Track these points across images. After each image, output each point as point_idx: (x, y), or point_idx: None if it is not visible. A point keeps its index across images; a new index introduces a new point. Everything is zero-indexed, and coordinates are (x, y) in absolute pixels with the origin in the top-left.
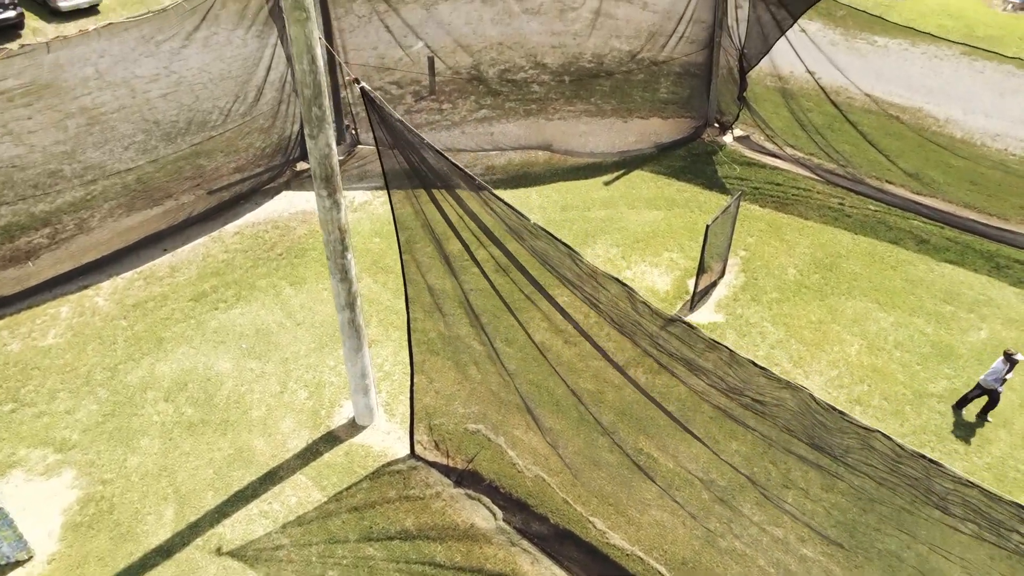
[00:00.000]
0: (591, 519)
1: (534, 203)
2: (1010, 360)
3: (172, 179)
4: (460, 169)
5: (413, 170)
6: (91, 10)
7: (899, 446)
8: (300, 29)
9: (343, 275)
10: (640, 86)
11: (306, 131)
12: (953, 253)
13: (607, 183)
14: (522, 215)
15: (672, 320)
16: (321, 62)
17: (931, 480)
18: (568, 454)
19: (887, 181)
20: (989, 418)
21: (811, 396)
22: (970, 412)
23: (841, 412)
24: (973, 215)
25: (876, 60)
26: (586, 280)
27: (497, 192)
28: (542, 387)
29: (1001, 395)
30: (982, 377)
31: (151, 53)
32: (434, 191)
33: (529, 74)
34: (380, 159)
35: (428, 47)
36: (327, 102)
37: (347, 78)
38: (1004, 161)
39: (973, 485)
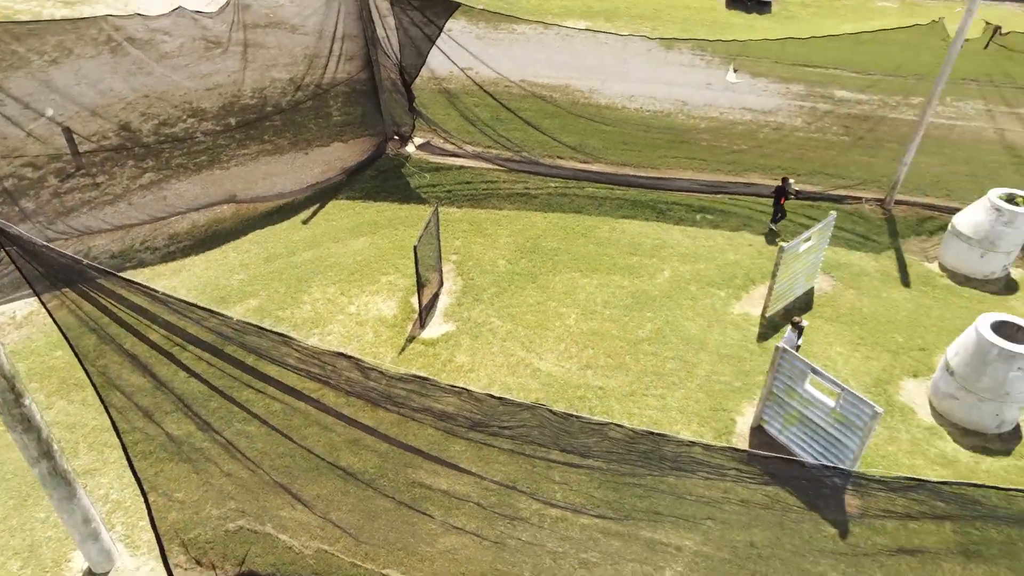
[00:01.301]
0: (384, 572)
1: (234, 262)
2: (797, 327)
3: None
4: (136, 285)
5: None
6: None
7: (631, 430)
8: None
9: (26, 425)
10: (312, 114)
11: None
12: (626, 209)
13: (305, 222)
14: (223, 316)
15: (407, 379)
16: None
17: (661, 449)
18: (343, 516)
19: (558, 157)
20: None
21: (548, 410)
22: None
23: (577, 416)
24: (631, 171)
25: (519, 47)
26: (310, 362)
27: (189, 259)
28: (296, 455)
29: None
30: (779, 347)
31: None
32: (103, 298)
33: (189, 124)
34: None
35: (53, 120)
36: None
37: None
38: (643, 119)
39: (693, 443)
